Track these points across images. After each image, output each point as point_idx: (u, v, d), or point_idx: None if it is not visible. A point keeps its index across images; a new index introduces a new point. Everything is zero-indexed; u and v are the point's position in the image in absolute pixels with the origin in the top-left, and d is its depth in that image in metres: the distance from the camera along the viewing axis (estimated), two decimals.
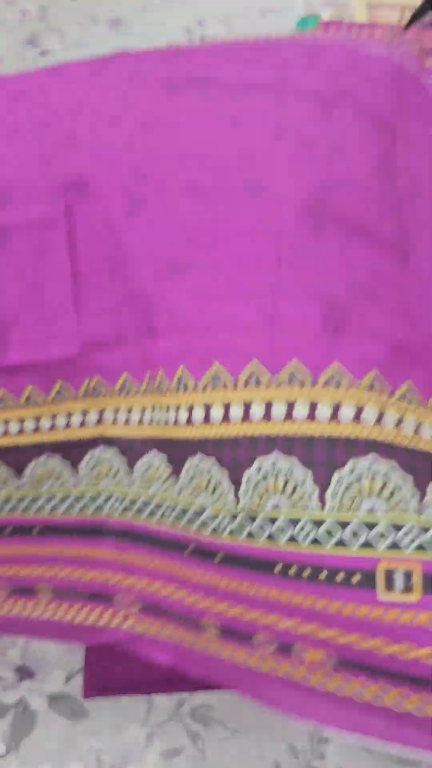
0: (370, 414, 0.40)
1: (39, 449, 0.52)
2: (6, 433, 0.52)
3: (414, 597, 0.37)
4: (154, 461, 0.48)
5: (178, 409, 0.44)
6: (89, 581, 0.50)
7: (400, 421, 0.40)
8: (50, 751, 0.73)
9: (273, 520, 0.41)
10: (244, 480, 0.41)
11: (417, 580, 0.37)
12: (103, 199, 0.49)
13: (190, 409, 0.44)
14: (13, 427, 0.52)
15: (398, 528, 0.38)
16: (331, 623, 0.39)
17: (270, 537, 0.41)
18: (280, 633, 0.41)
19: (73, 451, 0.51)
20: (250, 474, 0.41)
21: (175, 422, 0.45)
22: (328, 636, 0.39)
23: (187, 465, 0.45)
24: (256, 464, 0.41)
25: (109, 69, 0.55)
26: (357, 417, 0.40)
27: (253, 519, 0.41)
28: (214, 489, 0.43)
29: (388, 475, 0.39)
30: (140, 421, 0.48)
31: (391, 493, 0.39)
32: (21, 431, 0.52)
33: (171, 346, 0.46)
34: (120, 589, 0.49)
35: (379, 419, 0.40)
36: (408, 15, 0.66)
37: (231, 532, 0.42)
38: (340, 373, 0.41)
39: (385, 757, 0.66)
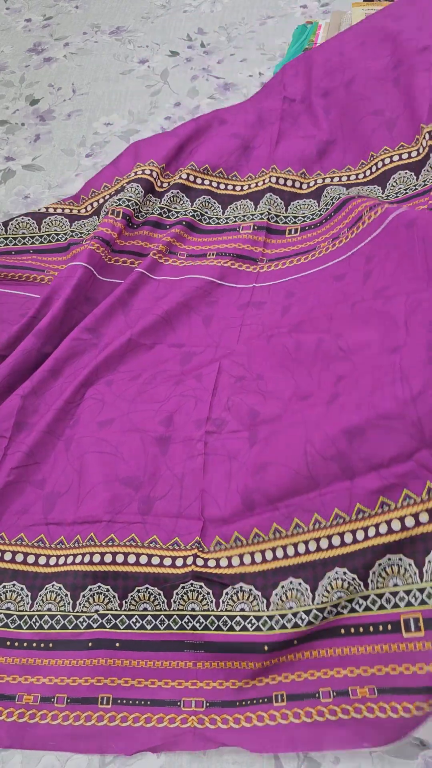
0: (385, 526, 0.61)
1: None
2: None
3: (422, 633, 0.56)
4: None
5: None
6: (156, 689, 0.63)
7: (402, 522, 0.60)
8: None
9: (336, 605, 0.61)
10: (320, 586, 0.62)
11: (422, 623, 0.56)
12: None
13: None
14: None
15: (408, 592, 0.58)
16: (375, 661, 0.57)
17: (338, 612, 0.61)
18: (340, 681, 0.58)
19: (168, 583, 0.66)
20: (323, 583, 0.61)
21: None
22: (373, 671, 0.57)
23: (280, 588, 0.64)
24: (331, 573, 0.61)
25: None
26: (390, 531, 0.60)
27: (321, 611, 0.61)
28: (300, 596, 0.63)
29: (401, 562, 0.59)
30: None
31: (404, 571, 0.58)
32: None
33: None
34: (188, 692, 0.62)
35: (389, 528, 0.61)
36: None
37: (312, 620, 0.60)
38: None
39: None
